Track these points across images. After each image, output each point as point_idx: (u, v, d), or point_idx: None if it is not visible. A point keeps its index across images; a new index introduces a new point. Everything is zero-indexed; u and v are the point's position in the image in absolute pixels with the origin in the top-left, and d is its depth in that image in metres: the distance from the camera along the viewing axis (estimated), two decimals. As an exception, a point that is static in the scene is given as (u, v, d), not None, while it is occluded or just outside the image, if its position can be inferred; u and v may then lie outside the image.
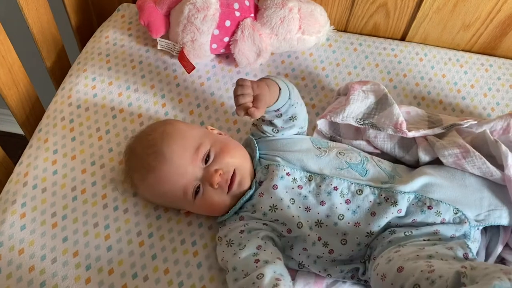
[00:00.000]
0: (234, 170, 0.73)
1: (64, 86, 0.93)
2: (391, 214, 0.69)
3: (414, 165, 0.84)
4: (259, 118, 0.78)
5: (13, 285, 0.69)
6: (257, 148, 0.78)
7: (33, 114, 0.94)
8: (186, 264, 0.73)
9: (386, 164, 0.79)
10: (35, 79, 1.14)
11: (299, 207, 0.71)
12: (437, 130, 0.83)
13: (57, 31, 0.98)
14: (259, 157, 0.77)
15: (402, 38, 1.06)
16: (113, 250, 0.73)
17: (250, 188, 0.74)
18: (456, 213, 0.70)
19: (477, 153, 0.75)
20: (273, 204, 0.71)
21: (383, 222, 0.69)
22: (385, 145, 0.84)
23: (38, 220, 0.75)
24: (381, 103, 0.86)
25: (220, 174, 0.71)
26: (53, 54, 0.99)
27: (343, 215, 0.71)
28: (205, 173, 0.72)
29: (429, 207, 0.70)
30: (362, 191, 0.72)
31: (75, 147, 0.83)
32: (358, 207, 0.71)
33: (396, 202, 0.70)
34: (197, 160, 0.72)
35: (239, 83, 0.68)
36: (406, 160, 0.84)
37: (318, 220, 0.71)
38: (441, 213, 0.70)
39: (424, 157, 0.81)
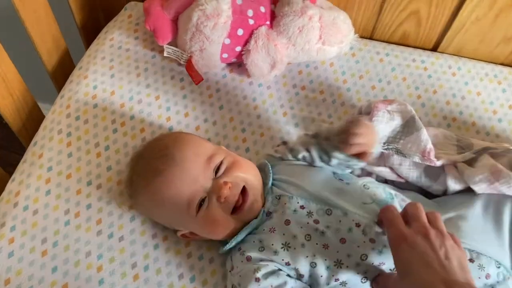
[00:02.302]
0: (246, 189, 0.66)
1: (63, 94, 0.86)
2: None
3: (442, 194, 0.76)
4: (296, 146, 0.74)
5: (-3, 320, 0.64)
6: (271, 174, 0.71)
7: (31, 123, 0.89)
8: (183, 303, 0.67)
9: None
10: (38, 84, 1.09)
11: (316, 244, 0.64)
12: (468, 156, 0.74)
13: (58, 32, 0.92)
14: (272, 184, 0.70)
15: (434, 49, 0.96)
16: (105, 283, 0.68)
17: (256, 216, 0.67)
18: (499, 267, 0.62)
19: (510, 172, 0.67)
20: (286, 242, 0.64)
21: None
22: (410, 174, 0.76)
23: (27, 247, 0.70)
24: (408, 126, 0.78)
25: (229, 187, 0.65)
26: (54, 57, 0.92)
27: (366, 255, 0.63)
28: (214, 184, 0.66)
29: (470, 260, 0.62)
30: (384, 232, 0.64)
31: (71, 164, 0.78)
32: (385, 246, 0.63)
33: None
34: (208, 170, 0.66)
35: (356, 124, 0.67)
36: (433, 190, 0.76)
37: (338, 260, 0.63)
38: (484, 267, 0.62)
39: (453, 186, 0.73)
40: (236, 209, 0.66)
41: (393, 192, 0.71)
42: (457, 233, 0.64)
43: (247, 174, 0.68)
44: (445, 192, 0.76)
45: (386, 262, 0.63)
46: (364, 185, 0.69)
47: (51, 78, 0.94)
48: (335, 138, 0.70)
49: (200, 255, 0.71)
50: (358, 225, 0.64)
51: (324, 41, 0.84)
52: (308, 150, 0.72)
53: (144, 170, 0.69)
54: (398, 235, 0.58)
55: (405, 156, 0.75)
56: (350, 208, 0.66)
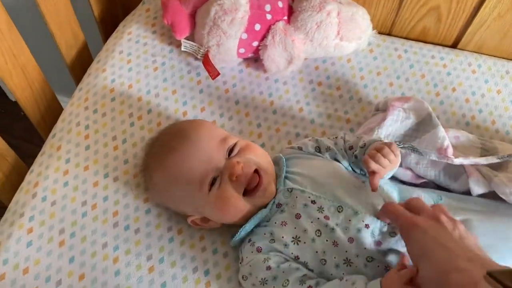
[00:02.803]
0: (259, 172, 0.67)
1: (81, 87, 0.87)
2: None
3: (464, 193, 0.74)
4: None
5: (16, 308, 0.65)
6: (284, 167, 0.71)
7: (49, 114, 0.90)
8: (197, 296, 0.68)
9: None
10: (56, 77, 1.10)
11: (326, 240, 0.64)
12: (492, 159, 0.73)
13: (77, 25, 0.93)
14: (285, 177, 0.70)
15: (454, 45, 0.95)
16: (121, 275, 0.69)
17: (265, 206, 0.67)
18: None
19: None
20: (296, 236, 0.64)
21: None
22: (428, 173, 0.75)
23: (46, 237, 0.71)
24: (424, 124, 0.77)
25: (242, 167, 0.65)
26: (73, 50, 0.93)
27: (371, 258, 0.63)
28: (226, 163, 0.66)
29: None
30: (395, 234, 0.63)
31: (89, 157, 0.79)
32: (390, 249, 0.63)
33: None
34: (222, 150, 0.68)
35: (391, 148, 0.65)
36: (454, 189, 0.75)
37: (347, 258, 0.63)
38: None
39: (477, 189, 0.72)
40: (249, 191, 0.67)
41: (409, 194, 0.69)
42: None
43: (260, 159, 0.69)
44: (467, 193, 0.75)
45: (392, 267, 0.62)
46: (379, 186, 0.68)
47: (70, 71, 0.96)
48: (360, 150, 0.70)
49: (214, 249, 0.72)
50: (367, 226, 0.64)
51: (342, 37, 0.83)
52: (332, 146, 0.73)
53: (158, 150, 0.71)
54: (409, 222, 0.58)
55: (422, 154, 0.74)
56: (361, 208, 0.65)
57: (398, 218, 0.60)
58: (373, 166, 0.64)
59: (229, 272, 0.70)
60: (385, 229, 0.64)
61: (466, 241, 0.55)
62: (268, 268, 0.63)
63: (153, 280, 0.69)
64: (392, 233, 0.64)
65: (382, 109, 0.81)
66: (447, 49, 0.93)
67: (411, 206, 0.62)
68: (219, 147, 0.68)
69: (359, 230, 0.63)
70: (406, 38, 0.95)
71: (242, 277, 0.66)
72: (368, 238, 0.63)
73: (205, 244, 0.72)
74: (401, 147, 0.74)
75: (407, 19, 0.92)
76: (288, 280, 0.62)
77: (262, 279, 0.63)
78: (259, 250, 0.65)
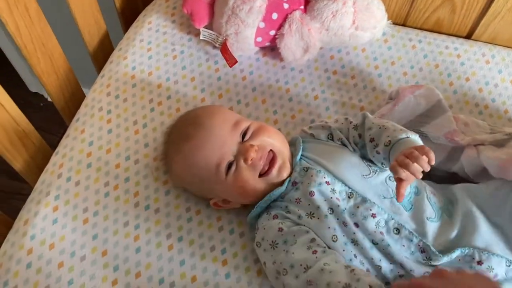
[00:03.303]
0: (273, 153, 0.69)
1: (103, 73, 0.90)
2: (427, 270, 0.63)
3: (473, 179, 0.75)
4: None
5: (42, 281, 0.69)
6: (301, 147, 0.73)
7: (73, 101, 0.93)
8: (214, 273, 0.70)
9: (438, 198, 0.71)
10: (80, 64, 1.13)
11: (337, 218, 0.66)
12: (499, 136, 0.73)
13: (100, 15, 0.96)
14: (300, 157, 0.72)
15: (468, 36, 0.96)
16: (142, 252, 0.72)
17: (281, 184, 0.69)
18: (509, 266, 0.62)
19: None
20: (310, 212, 0.67)
21: (418, 272, 0.63)
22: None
23: (70, 215, 0.74)
24: (434, 111, 0.78)
25: (256, 149, 0.67)
26: (95, 39, 0.96)
27: (377, 242, 0.65)
28: (240, 147, 0.69)
29: (479, 262, 0.63)
30: (399, 232, 0.65)
31: (111, 140, 0.82)
32: (389, 245, 0.65)
33: (431, 259, 0.63)
34: (235, 134, 0.70)
35: (425, 152, 0.60)
36: (461, 173, 0.76)
37: (354, 239, 0.65)
38: (493, 268, 0.62)
39: (468, 166, 0.72)
40: (264, 173, 0.69)
41: (421, 187, 0.70)
42: (474, 230, 0.65)
43: (274, 139, 0.71)
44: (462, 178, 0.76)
45: (393, 264, 0.65)
46: (389, 177, 0.70)
47: (92, 59, 0.99)
48: (389, 152, 0.65)
49: (231, 229, 0.74)
50: (373, 215, 0.65)
51: (357, 26, 0.85)
52: (345, 136, 0.73)
53: (176, 138, 0.74)
54: (415, 284, 0.51)
55: (430, 140, 0.75)
56: (370, 197, 0.67)
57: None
58: (402, 174, 0.59)
59: (245, 251, 0.73)
60: (390, 223, 0.65)
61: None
62: (280, 229, 0.65)
63: (172, 257, 0.71)
64: (395, 230, 0.65)
65: (395, 98, 0.83)
66: (461, 39, 0.94)
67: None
68: (233, 132, 0.70)
69: (365, 217, 0.65)
70: (420, 28, 0.97)
71: (256, 244, 0.68)
72: (373, 226, 0.65)
73: (222, 224, 0.75)
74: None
75: (421, 9, 0.94)
76: (296, 240, 0.63)
77: (272, 241, 0.65)
78: (274, 217, 0.68)
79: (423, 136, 0.75)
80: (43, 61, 0.81)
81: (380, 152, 0.68)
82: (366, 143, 0.71)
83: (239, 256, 0.72)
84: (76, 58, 1.09)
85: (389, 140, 0.66)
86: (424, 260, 0.65)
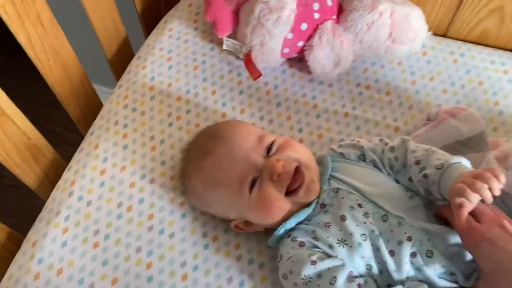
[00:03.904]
0: (301, 169, 0.63)
1: (121, 83, 0.86)
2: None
3: None
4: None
5: (48, 309, 0.65)
6: (329, 165, 0.67)
7: (89, 110, 0.89)
8: (230, 308, 0.65)
9: None
10: (97, 67, 1.09)
11: (372, 245, 0.60)
12: None
13: (119, 19, 0.91)
14: (329, 177, 0.66)
15: (517, 50, 0.87)
16: (154, 281, 0.67)
17: (308, 205, 0.63)
18: None
19: None
20: (342, 239, 0.60)
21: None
22: None
23: (80, 238, 0.70)
24: (473, 142, 0.70)
25: (282, 165, 0.62)
26: (114, 45, 0.92)
27: (413, 262, 0.59)
28: (265, 162, 0.63)
29: None
30: (433, 254, 0.59)
31: (126, 157, 0.77)
32: (423, 265, 0.59)
33: (457, 282, 0.58)
34: (260, 149, 0.65)
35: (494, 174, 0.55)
36: None
37: (386, 269, 0.60)
38: None
39: None
40: (292, 192, 0.63)
41: None
42: None
43: (300, 155, 0.66)
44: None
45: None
46: (425, 205, 0.63)
47: (110, 66, 0.94)
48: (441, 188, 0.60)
49: (250, 259, 0.69)
50: (409, 239, 0.59)
51: (394, 39, 0.78)
52: (378, 158, 0.67)
53: (195, 154, 0.69)
54: (474, 233, 0.54)
55: None
56: (407, 219, 0.61)
57: (459, 227, 0.56)
58: (472, 197, 0.54)
59: (265, 284, 0.67)
60: (425, 246, 0.59)
61: None
62: (313, 262, 0.59)
63: (186, 288, 0.67)
64: (429, 252, 0.59)
65: (434, 119, 0.76)
66: (508, 53, 0.86)
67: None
68: (257, 146, 0.65)
69: (400, 243, 0.59)
70: (464, 40, 0.88)
71: (283, 276, 0.62)
72: (407, 250, 0.59)
73: (241, 253, 0.70)
74: None
75: (465, 20, 0.85)
76: (335, 277, 0.57)
77: (305, 276, 0.59)
78: (301, 245, 0.62)
79: None
80: (56, 71, 0.77)
81: (429, 175, 0.61)
82: (409, 165, 0.64)
83: (258, 291, 0.67)
84: (93, 65, 1.05)
85: (442, 163, 0.60)
86: (450, 282, 0.59)
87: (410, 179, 0.64)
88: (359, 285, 0.57)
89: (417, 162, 0.63)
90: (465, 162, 0.61)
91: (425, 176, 0.62)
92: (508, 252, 0.52)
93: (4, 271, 0.70)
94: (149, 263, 0.68)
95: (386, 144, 0.68)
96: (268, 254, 0.69)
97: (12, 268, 0.69)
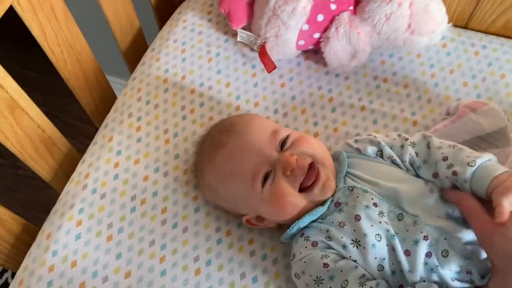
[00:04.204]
0: (316, 166, 0.62)
1: (135, 76, 0.85)
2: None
3: None
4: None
5: (63, 302, 0.65)
6: (345, 162, 0.65)
7: (103, 103, 0.89)
8: (244, 304, 0.65)
9: None
10: (111, 62, 1.09)
11: (386, 245, 0.59)
12: None
13: (133, 11, 0.90)
14: (345, 175, 0.65)
15: (541, 42, 0.84)
16: (167, 275, 0.67)
17: (322, 204, 0.62)
18: None
19: None
20: (356, 239, 0.59)
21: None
22: None
23: (94, 231, 0.70)
24: (495, 138, 0.68)
25: (296, 160, 0.61)
26: (128, 37, 0.91)
27: (426, 263, 0.58)
28: (279, 157, 0.62)
29: None
30: (448, 254, 0.57)
31: (140, 150, 0.77)
32: (431, 269, 0.57)
33: (474, 282, 0.56)
34: (274, 143, 0.64)
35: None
36: None
37: (400, 269, 0.58)
38: None
39: None
40: (306, 187, 0.62)
41: None
42: None
43: (316, 151, 0.64)
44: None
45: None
46: (441, 197, 0.62)
47: (124, 58, 0.94)
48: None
49: (263, 255, 0.68)
50: (426, 238, 0.58)
51: (413, 30, 0.76)
52: (397, 154, 0.65)
53: (208, 147, 0.68)
54: (487, 227, 0.53)
55: None
56: (423, 218, 0.59)
57: (473, 219, 0.55)
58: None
59: (278, 281, 0.66)
60: (441, 245, 0.58)
61: None
62: (325, 265, 0.58)
63: (199, 283, 0.66)
64: (444, 252, 0.57)
65: (453, 114, 0.74)
66: (532, 45, 0.83)
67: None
68: (271, 140, 0.64)
69: (416, 242, 0.58)
70: (485, 32, 0.86)
71: (295, 275, 0.62)
72: (423, 249, 0.58)
73: (254, 248, 0.69)
74: None
75: (488, 10, 0.83)
76: (347, 280, 0.57)
77: (317, 277, 0.58)
78: (314, 245, 0.61)
79: None
80: (71, 64, 0.77)
81: (459, 173, 0.59)
82: (435, 162, 0.62)
83: (271, 287, 0.66)
84: (107, 57, 1.05)
85: (473, 161, 0.58)
86: (464, 282, 0.58)
87: (434, 175, 0.62)
88: None
89: (445, 158, 0.61)
90: (494, 159, 0.60)
91: (454, 173, 0.60)
92: None
93: (19, 263, 0.70)
94: (162, 257, 0.68)
95: (406, 139, 0.66)
96: (282, 250, 0.68)
97: (27, 260, 0.69)
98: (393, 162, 0.66)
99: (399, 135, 0.67)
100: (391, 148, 0.66)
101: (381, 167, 0.66)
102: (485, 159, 0.59)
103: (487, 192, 0.56)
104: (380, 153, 0.67)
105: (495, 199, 0.54)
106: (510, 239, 0.51)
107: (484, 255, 0.57)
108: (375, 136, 0.68)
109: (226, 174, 0.65)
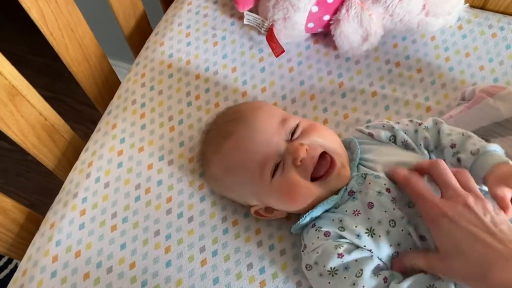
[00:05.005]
0: (329, 155, 0.60)
1: (139, 61, 0.83)
2: None
3: None
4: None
5: (67, 292, 0.64)
6: (358, 150, 0.63)
7: (107, 89, 0.87)
8: (250, 295, 0.63)
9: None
10: (115, 46, 1.06)
11: (402, 230, 0.57)
12: None
13: (136, -6, 0.88)
14: (359, 162, 0.63)
15: None
16: (172, 266, 0.65)
17: (336, 193, 0.60)
18: None
19: None
20: (371, 228, 0.57)
21: None
22: None
23: (98, 220, 0.69)
24: None
25: (306, 149, 0.58)
26: (131, 21, 0.89)
27: None
28: (288, 146, 0.60)
29: None
30: None
31: (144, 137, 0.75)
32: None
33: None
34: (283, 132, 0.61)
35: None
36: None
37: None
38: None
39: None
40: (320, 177, 0.60)
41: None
42: None
43: (326, 140, 0.62)
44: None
45: None
46: None
47: (128, 42, 0.91)
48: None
49: (271, 245, 0.66)
50: None
51: (428, 11, 0.72)
52: (411, 138, 0.64)
53: (214, 136, 0.66)
54: (435, 210, 0.52)
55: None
56: None
57: (419, 201, 0.54)
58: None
59: (286, 272, 0.65)
60: None
61: (499, 226, 0.50)
62: (340, 255, 0.56)
63: (205, 274, 0.65)
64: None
65: (469, 99, 0.70)
66: (554, 26, 0.79)
67: (436, 176, 0.55)
68: (279, 129, 0.61)
69: (429, 230, 0.55)
70: (503, 13, 0.82)
71: (306, 267, 0.60)
72: None
73: (261, 239, 0.67)
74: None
75: (507, -10, 0.79)
76: (362, 270, 0.55)
77: (331, 268, 0.56)
78: (327, 235, 0.59)
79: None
80: (72, 49, 0.74)
81: (462, 160, 0.59)
82: (443, 147, 0.61)
83: (279, 278, 0.64)
84: (111, 41, 1.03)
85: (478, 149, 0.58)
86: None
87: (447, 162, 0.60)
88: (385, 278, 0.54)
89: (453, 146, 0.60)
90: (500, 150, 0.58)
91: (459, 160, 0.59)
92: (467, 233, 0.50)
93: (24, 252, 0.70)
94: (167, 247, 0.67)
95: (420, 124, 0.64)
96: (290, 240, 0.66)
97: (31, 250, 0.68)
98: (407, 146, 0.63)
99: (411, 121, 0.65)
100: (405, 133, 0.64)
101: (394, 151, 0.63)
102: (490, 149, 0.57)
103: (484, 181, 0.56)
104: (394, 138, 0.64)
105: (489, 189, 0.55)
106: (457, 222, 0.51)
107: None
108: (387, 122, 0.66)
109: (233, 165, 0.63)
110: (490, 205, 0.52)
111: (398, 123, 0.66)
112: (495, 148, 0.58)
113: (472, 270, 0.49)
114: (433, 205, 0.53)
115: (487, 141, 0.63)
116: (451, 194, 0.53)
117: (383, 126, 0.66)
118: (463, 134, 0.60)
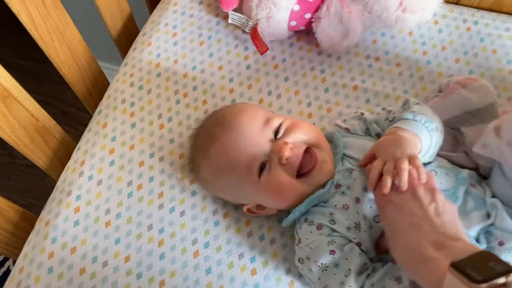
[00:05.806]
0: (311, 151, 0.62)
1: (127, 61, 0.85)
2: None
3: None
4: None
5: (64, 287, 0.66)
6: (341, 144, 0.66)
7: (96, 90, 0.89)
8: (242, 283, 0.66)
9: (487, 192, 0.63)
10: (103, 48, 1.08)
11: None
12: None
13: (123, -4, 0.89)
14: (343, 156, 0.65)
15: (533, 16, 0.84)
16: (166, 258, 0.68)
17: (323, 186, 0.63)
18: None
19: None
20: (358, 222, 0.60)
21: None
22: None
23: (92, 217, 0.71)
24: (483, 113, 0.68)
25: (290, 148, 0.60)
26: (118, 23, 0.90)
27: None
28: (273, 146, 0.62)
29: (500, 243, 0.58)
30: None
31: (135, 135, 0.77)
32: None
33: None
34: (267, 132, 0.63)
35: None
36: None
37: None
38: None
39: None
40: (304, 174, 0.62)
41: (467, 175, 0.63)
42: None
43: (310, 136, 0.64)
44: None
45: None
46: (433, 170, 0.63)
47: (116, 44, 0.93)
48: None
49: (261, 235, 0.69)
50: None
51: (405, 8, 0.75)
52: (382, 128, 0.67)
53: (202, 141, 0.68)
54: (383, 197, 0.55)
55: (464, 143, 0.67)
56: None
57: (374, 188, 0.57)
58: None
59: (276, 260, 0.67)
60: None
61: (442, 217, 0.51)
62: (332, 252, 0.59)
63: (198, 265, 0.67)
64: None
65: (445, 90, 0.74)
66: (524, 20, 0.83)
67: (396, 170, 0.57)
68: (263, 129, 0.64)
69: None
70: (477, 7, 0.86)
71: (299, 260, 0.62)
72: None
73: (251, 229, 0.70)
74: (450, 128, 0.68)
75: (479, -14, 0.82)
76: (350, 270, 0.58)
77: (322, 264, 0.59)
78: (319, 228, 0.61)
79: (460, 135, 0.66)
80: (62, 52, 0.76)
81: (384, 130, 0.64)
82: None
83: (269, 266, 0.67)
84: (99, 43, 1.04)
85: (394, 117, 0.64)
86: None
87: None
88: (368, 275, 0.58)
89: (393, 119, 0.65)
90: (419, 118, 0.61)
91: (383, 130, 0.65)
92: (408, 220, 0.51)
93: (20, 251, 0.71)
94: (160, 241, 0.69)
95: (391, 112, 0.67)
96: (279, 230, 0.69)
97: (27, 248, 0.70)
98: (380, 136, 0.66)
99: (383, 109, 0.68)
100: (376, 124, 0.67)
101: (370, 143, 0.66)
102: (407, 116, 0.61)
103: None
104: (368, 131, 0.67)
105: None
106: (400, 210, 0.52)
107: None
108: (362, 113, 0.69)
109: (221, 168, 0.65)
110: (440, 196, 0.53)
111: (373, 113, 0.69)
112: (415, 117, 0.61)
113: (406, 257, 0.50)
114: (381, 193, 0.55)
115: (456, 129, 0.67)
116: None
117: (358, 119, 0.69)
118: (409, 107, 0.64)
